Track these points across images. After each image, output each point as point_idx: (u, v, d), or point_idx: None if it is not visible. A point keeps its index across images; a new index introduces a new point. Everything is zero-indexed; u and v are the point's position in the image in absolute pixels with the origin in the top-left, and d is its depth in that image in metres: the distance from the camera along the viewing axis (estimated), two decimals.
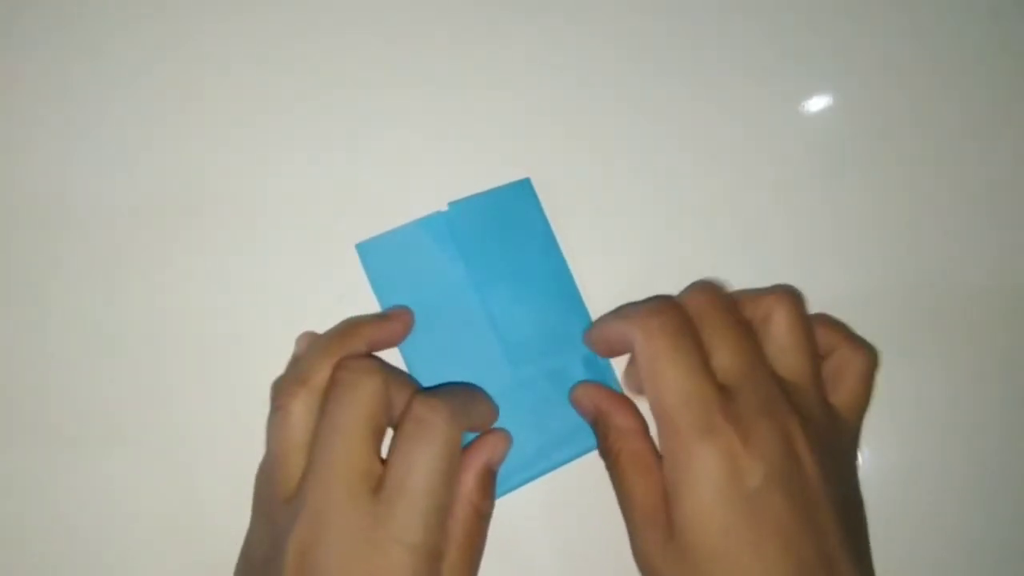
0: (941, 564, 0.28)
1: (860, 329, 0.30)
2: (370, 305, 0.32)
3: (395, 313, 0.31)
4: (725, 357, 0.26)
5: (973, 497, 0.32)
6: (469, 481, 0.28)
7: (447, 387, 0.30)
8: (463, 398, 0.29)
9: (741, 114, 0.34)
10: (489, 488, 0.29)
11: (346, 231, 0.32)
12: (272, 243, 0.33)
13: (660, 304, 0.28)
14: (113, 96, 0.33)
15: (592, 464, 0.30)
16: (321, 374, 0.28)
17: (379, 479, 0.26)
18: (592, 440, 0.30)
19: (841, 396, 0.28)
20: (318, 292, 0.32)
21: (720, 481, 0.24)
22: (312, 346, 0.29)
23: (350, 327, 0.30)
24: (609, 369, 0.32)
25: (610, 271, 0.32)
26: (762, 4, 0.34)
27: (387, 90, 0.33)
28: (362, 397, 0.26)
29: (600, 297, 0.32)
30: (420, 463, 0.25)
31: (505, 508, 0.30)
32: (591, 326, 0.31)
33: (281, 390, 0.28)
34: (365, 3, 0.34)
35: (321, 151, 0.33)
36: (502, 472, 0.30)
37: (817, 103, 0.34)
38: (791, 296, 0.28)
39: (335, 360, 0.28)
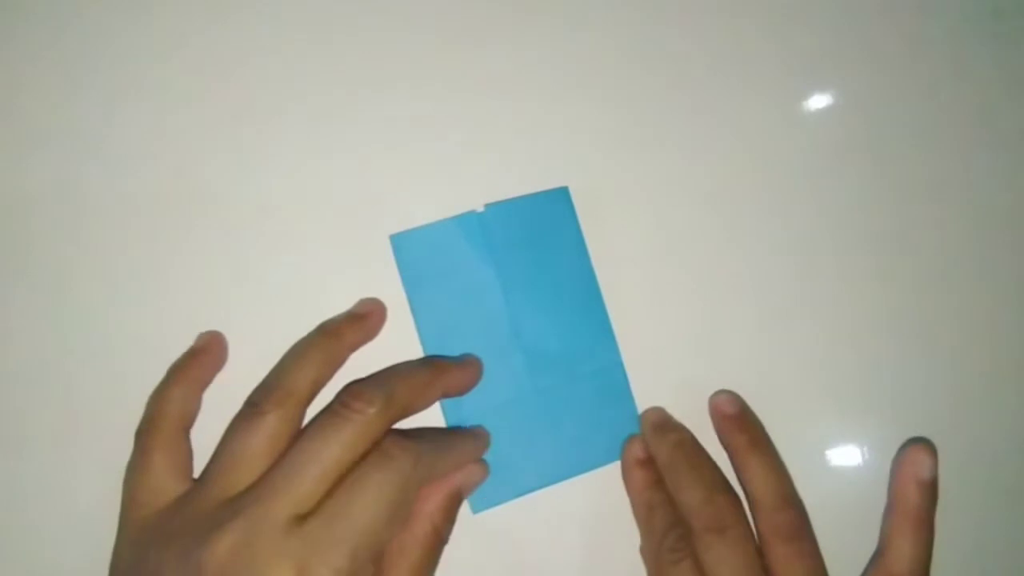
0: (939, 564, 0.29)
1: (855, 329, 0.32)
2: (398, 298, 0.32)
3: (367, 309, 0.31)
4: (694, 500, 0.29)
5: (971, 497, 0.33)
6: (436, 500, 0.28)
7: (431, 430, 0.30)
8: (439, 445, 0.28)
9: (795, 132, 0.34)
10: (452, 513, 0.29)
11: (380, 227, 0.32)
12: (306, 237, 0.32)
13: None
14: (126, 90, 0.32)
15: (602, 477, 0.31)
16: (304, 385, 0.28)
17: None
18: (604, 456, 0.31)
19: None
20: (348, 287, 0.32)
21: None
22: (295, 355, 0.29)
23: (331, 333, 0.30)
24: (625, 383, 0.32)
25: (639, 288, 0.33)
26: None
27: (434, 91, 0.33)
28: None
29: (625, 312, 0.32)
30: (369, 495, 0.25)
31: (512, 515, 0.31)
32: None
33: (266, 394, 0.28)
34: (417, 4, 0.33)
35: (361, 150, 0.32)
36: (514, 475, 0.31)
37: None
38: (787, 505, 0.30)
39: (319, 369, 0.29)
